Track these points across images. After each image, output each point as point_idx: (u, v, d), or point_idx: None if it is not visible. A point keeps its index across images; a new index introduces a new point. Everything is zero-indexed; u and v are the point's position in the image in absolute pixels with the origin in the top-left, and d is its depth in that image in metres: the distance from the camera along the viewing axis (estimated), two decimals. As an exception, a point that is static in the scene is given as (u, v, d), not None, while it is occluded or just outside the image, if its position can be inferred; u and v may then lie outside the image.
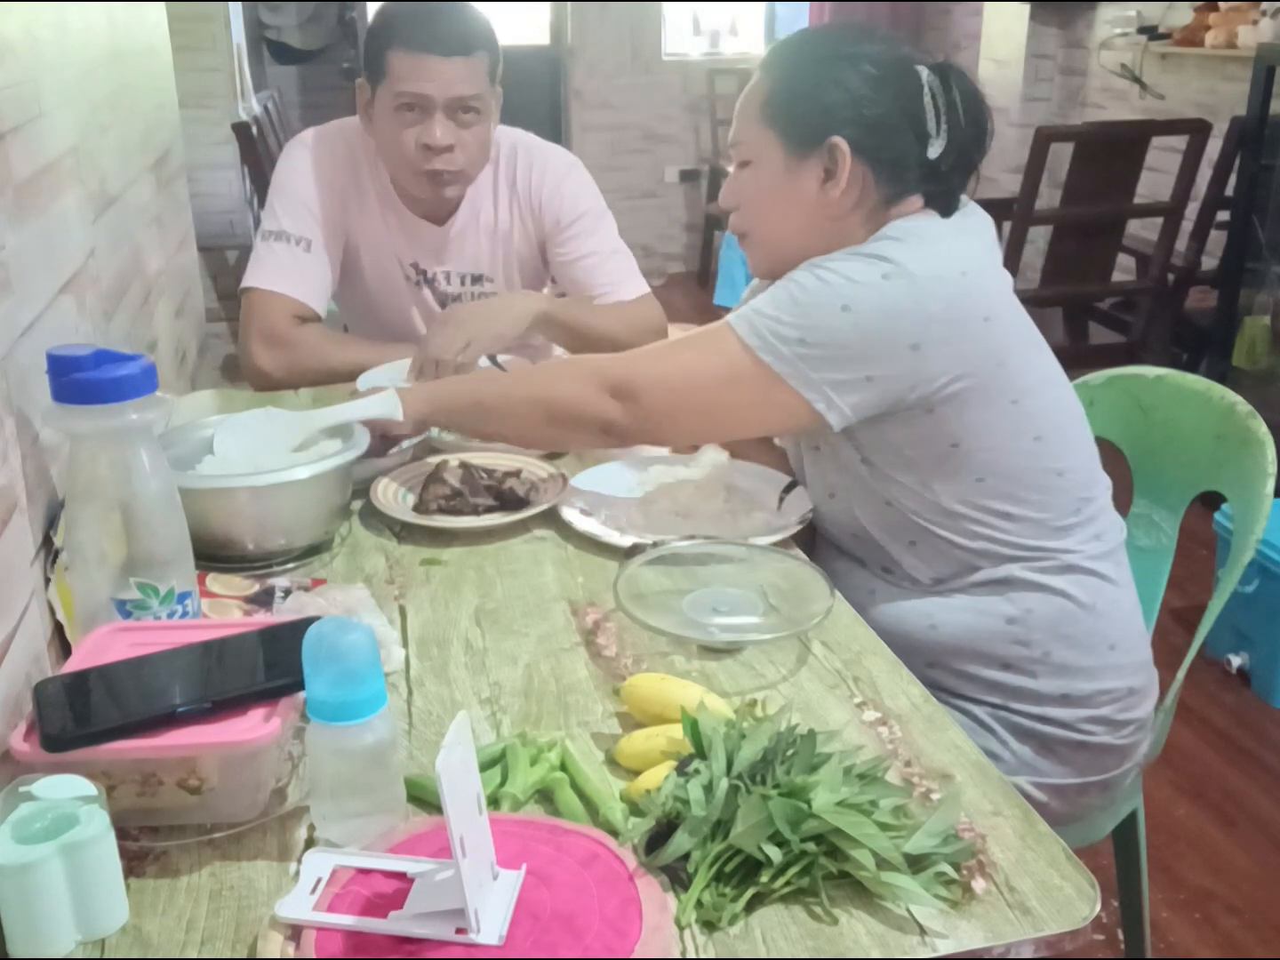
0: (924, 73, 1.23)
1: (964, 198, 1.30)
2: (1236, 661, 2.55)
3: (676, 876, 0.79)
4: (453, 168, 1.77)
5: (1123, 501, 1.39)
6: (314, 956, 0.71)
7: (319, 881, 0.77)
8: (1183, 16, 4.45)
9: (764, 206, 1.31)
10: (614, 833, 0.83)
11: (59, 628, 1.07)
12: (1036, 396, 1.26)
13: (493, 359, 1.85)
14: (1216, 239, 3.81)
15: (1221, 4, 4.28)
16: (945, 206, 1.27)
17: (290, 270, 1.81)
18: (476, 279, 1.95)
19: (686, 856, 0.78)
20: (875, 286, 1.18)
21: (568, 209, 1.89)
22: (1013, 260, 3.59)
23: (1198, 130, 3.61)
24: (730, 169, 1.35)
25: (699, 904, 0.76)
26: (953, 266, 1.21)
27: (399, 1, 1.77)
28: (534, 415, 1.33)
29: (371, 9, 6.12)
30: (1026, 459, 1.25)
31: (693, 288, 6.02)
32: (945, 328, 1.18)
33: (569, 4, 5.98)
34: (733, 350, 1.21)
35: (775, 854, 0.77)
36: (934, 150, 1.23)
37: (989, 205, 1.34)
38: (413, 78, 1.71)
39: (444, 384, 1.50)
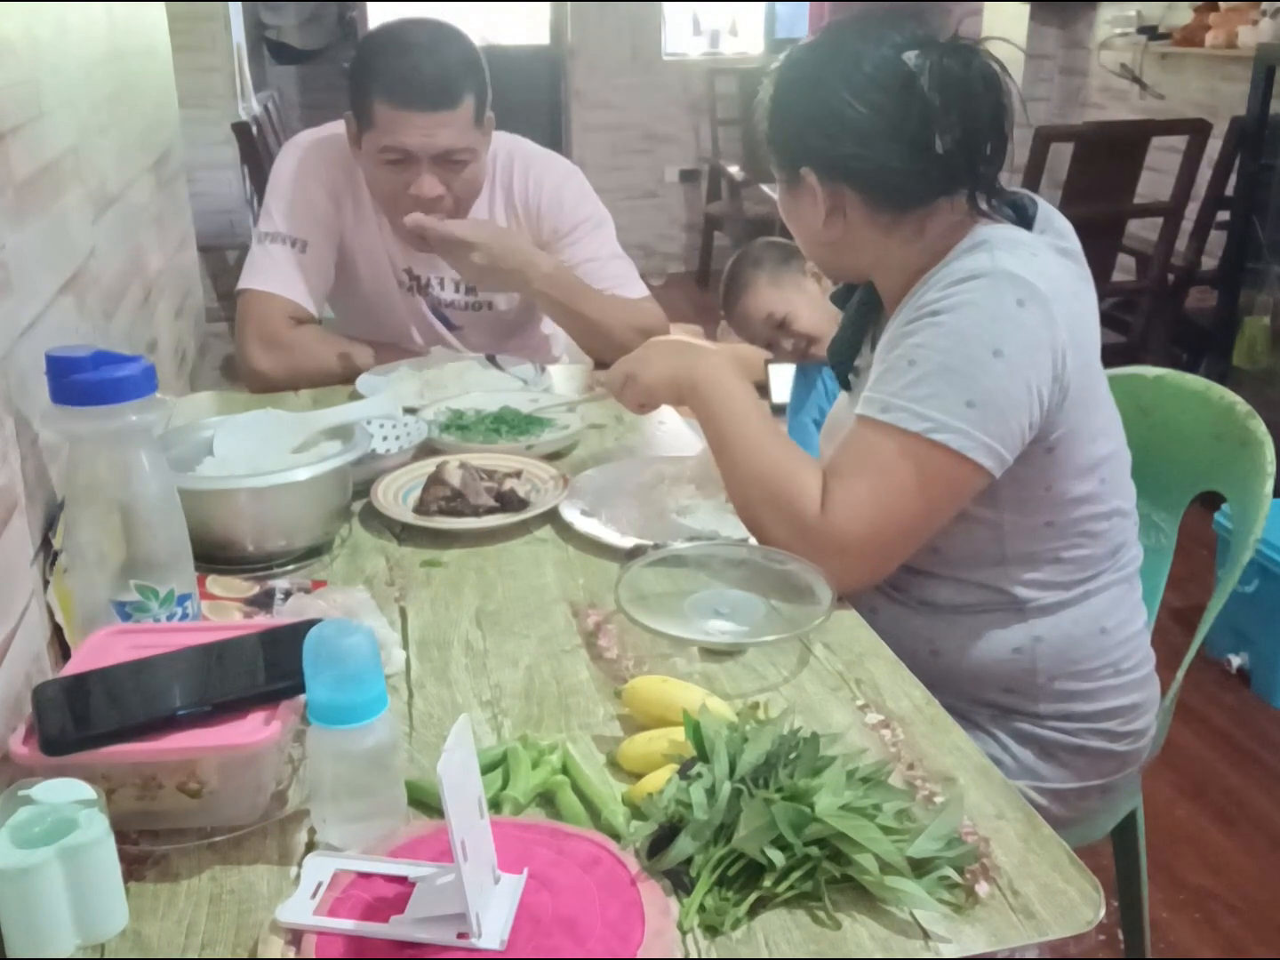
0: (912, 59, 1.12)
1: (1039, 200, 1.22)
2: (1236, 661, 2.55)
3: (679, 880, 0.78)
4: (440, 212, 1.74)
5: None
6: (315, 961, 0.71)
7: (319, 885, 0.77)
8: (1183, 16, 4.45)
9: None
10: (616, 836, 0.82)
11: (58, 630, 1.07)
12: (1111, 437, 1.22)
13: (491, 359, 1.85)
14: (1216, 239, 3.81)
15: (1221, 4, 4.28)
16: (1019, 214, 1.19)
17: (286, 272, 1.81)
18: (472, 287, 1.93)
19: (689, 860, 0.78)
20: (1015, 320, 1.08)
21: (567, 216, 1.87)
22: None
23: (1198, 130, 3.61)
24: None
25: (701, 908, 0.76)
26: (1066, 285, 1.13)
27: (381, 33, 1.72)
28: (752, 490, 1.19)
29: (372, 9, 6.12)
30: (1092, 503, 1.21)
31: (692, 288, 6.02)
32: (1074, 355, 1.12)
33: (569, 4, 5.98)
34: (896, 446, 1.09)
35: (778, 858, 0.77)
36: (941, 144, 1.12)
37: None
38: (398, 132, 1.66)
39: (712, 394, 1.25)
